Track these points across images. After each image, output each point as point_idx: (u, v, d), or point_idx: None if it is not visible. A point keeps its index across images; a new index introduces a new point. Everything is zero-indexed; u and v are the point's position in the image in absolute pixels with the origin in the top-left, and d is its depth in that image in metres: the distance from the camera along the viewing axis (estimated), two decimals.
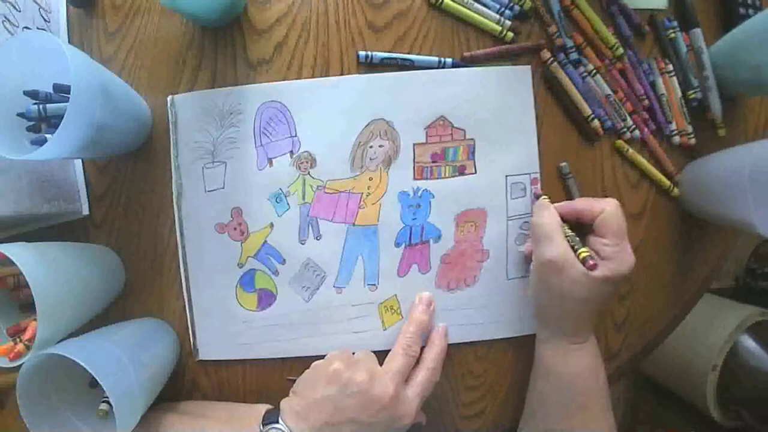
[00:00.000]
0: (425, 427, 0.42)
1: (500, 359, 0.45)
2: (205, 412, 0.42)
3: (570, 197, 0.45)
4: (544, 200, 0.42)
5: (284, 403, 0.38)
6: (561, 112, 0.45)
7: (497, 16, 0.44)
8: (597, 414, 0.39)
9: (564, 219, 0.39)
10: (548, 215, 0.39)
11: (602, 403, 0.39)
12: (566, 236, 0.38)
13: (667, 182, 0.45)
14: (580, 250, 0.37)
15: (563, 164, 0.44)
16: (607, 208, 0.38)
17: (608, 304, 0.39)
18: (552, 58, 0.44)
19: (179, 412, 0.41)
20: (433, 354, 0.41)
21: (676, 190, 0.45)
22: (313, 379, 0.38)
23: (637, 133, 0.45)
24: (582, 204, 0.40)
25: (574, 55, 0.44)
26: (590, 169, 0.45)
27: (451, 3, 0.43)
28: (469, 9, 0.43)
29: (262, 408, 0.39)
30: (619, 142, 0.45)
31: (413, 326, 0.41)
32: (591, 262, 0.36)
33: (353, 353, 0.40)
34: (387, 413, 0.36)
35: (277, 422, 0.36)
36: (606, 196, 0.45)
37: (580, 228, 0.39)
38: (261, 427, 0.36)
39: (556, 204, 0.41)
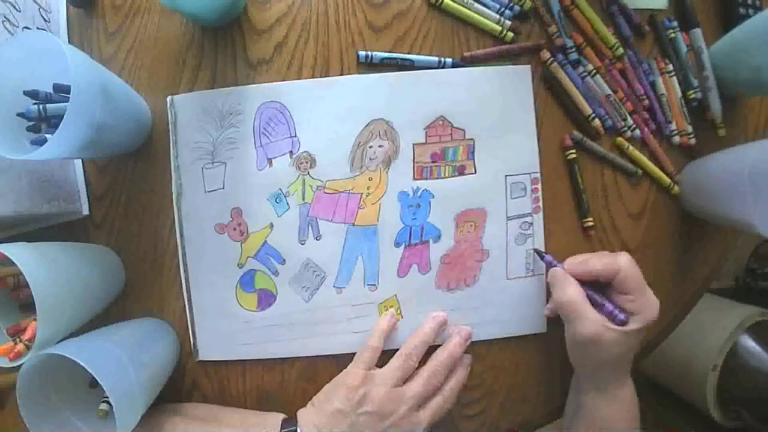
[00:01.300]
0: None
1: (500, 359, 0.45)
2: (216, 418, 0.42)
3: (576, 185, 0.44)
4: (560, 271, 0.40)
5: (301, 414, 0.39)
6: (561, 112, 0.45)
7: (497, 16, 0.44)
8: None
9: (581, 282, 0.39)
10: (571, 290, 0.38)
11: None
12: (590, 299, 0.39)
13: (667, 180, 0.45)
14: (606, 307, 0.38)
15: (575, 133, 0.44)
16: (622, 267, 0.38)
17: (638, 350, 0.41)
18: (552, 59, 0.44)
19: (188, 416, 0.41)
20: (452, 384, 0.41)
21: (676, 188, 0.45)
22: (331, 392, 0.40)
23: (637, 132, 0.45)
24: (596, 265, 0.39)
25: (573, 55, 0.44)
26: (590, 169, 0.45)
27: (451, 3, 0.43)
28: (469, 9, 0.43)
29: (278, 416, 0.40)
30: (620, 139, 0.45)
31: (419, 340, 0.41)
32: (621, 317, 0.37)
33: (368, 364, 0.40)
34: (397, 430, 0.38)
35: (295, 430, 0.37)
36: (606, 196, 0.45)
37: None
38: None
39: (571, 267, 0.40)
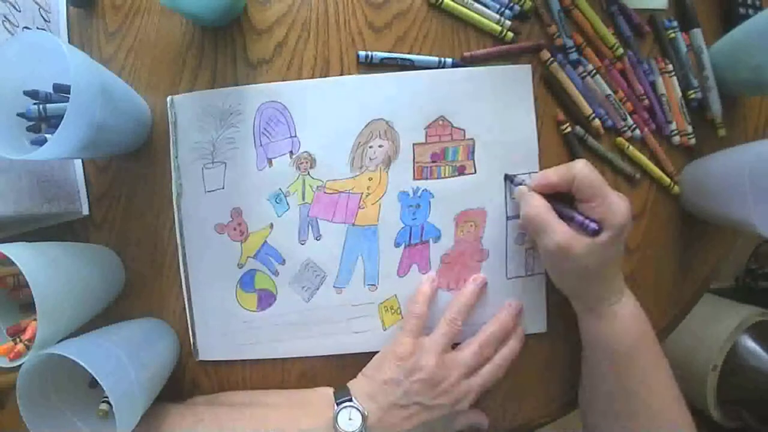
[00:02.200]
0: None
1: None
2: (258, 401, 0.42)
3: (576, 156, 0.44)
4: (523, 188, 0.40)
5: (353, 384, 0.40)
6: (561, 112, 0.45)
7: (497, 16, 0.44)
8: (651, 360, 0.39)
9: (545, 196, 0.39)
10: (535, 203, 0.38)
11: (655, 350, 0.39)
12: (559, 213, 0.38)
13: (667, 180, 0.45)
14: (576, 219, 0.37)
15: (578, 128, 0.44)
16: (576, 173, 0.36)
17: (622, 255, 0.40)
18: (552, 59, 0.44)
19: (227, 404, 0.42)
20: (505, 352, 0.42)
21: (676, 188, 0.45)
22: (382, 362, 0.40)
23: (637, 132, 0.45)
24: (553, 176, 0.38)
25: (573, 55, 0.44)
26: None
27: (451, 3, 0.43)
28: (469, 9, 0.43)
29: (327, 390, 0.41)
30: (619, 139, 0.45)
31: (461, 303, 0.42)
32: (593, 227, 0.36)
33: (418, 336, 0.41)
34: (448, 397, 0.38)
35: (351, 400, 0.38)
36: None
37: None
38: (335, 406, 0.38)
39: (533, 183, 0.39)
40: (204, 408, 0.41)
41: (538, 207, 0.38)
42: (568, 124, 0.44)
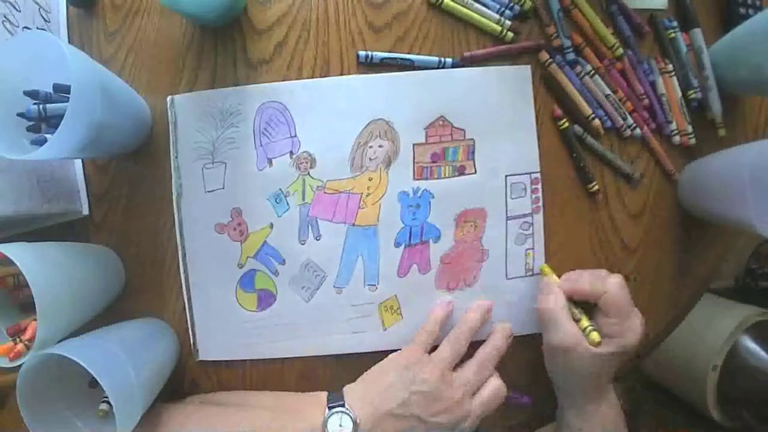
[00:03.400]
0: None
1: (500, 359, 0.45)
2: (250, 402, 0.42)
3: (575, 150, 0.44)
4: (553, 280, 0.42)
5: (348, 389, 0.39)
6: (557, 108, 0.45)
7: (497, 16, 0.44)
8: None
9: (569, 298, 0.41)
10: (553, 300, 0.40)
11: None
12: (571, 312, 0.40)
13: (626, 172, 0.45)
14: (585, 327, 0.39)
15: (576, 127, 0.44)
16: (609, 289, 0.38)
17: (619, 369, 0.41)
18: (550, 60, 0.44)
19: (219, 404, 0.42)
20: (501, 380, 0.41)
21: (637, 174, 0.45)
22: (384, 368, 0.40)
23: (638, 131, 0.45)
24: (586, 286, 0.40)
25: (570, 56, 0.44)
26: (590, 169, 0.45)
27: (451, 3, 0.43)
28: (469, 9, 0.43)
29: (321, 395, 0.40)
30: (577, 127, 0.44)
31: (465, 326, 0.41)
32: (596, 340, 0.38)
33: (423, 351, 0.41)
34: (449, 416, 0.37)
35: (343, 405, 0.37)
36: (607, 196, 0.45)
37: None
38: (327, 410, 0.37)
39: (562, 280, 0.41)
40: (194, 408, 0.41)
41: (554, 303, 0.39)
42: (565, 119, 0.44)
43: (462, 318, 0.42)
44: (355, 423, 0.36)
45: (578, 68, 0.44)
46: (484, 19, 0.43)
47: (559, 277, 0.42)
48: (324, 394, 0.39)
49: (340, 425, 0.36)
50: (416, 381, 0.37)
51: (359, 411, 0.37)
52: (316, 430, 0.36)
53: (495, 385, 0.40)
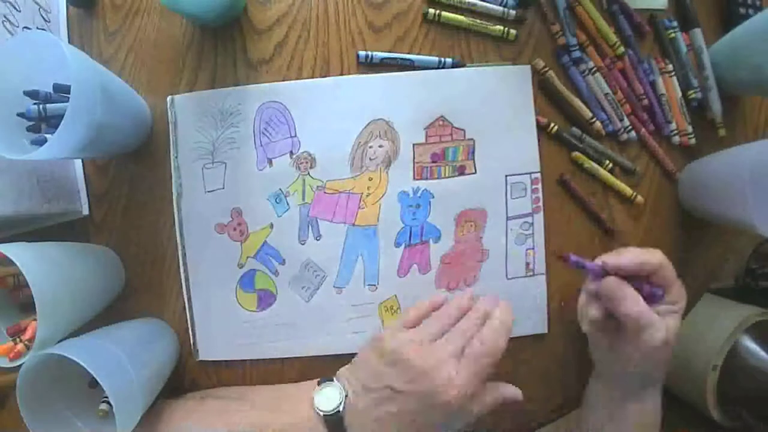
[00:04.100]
0: None
1: (500, 359, 0.45)
2: (247, 395, 0.42)
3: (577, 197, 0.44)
4: (615, 282, 0.36)
5: (340, 371, 0.39)
6: (561, 113, 0.45)
7: (500, 9, 0.43)
8: None
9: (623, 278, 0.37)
10: (632, 302, 0.36)
11: None
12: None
13: (630, 192, 0.45)
14: (646, 288, 0.37)
15: (574, 129, 0.44)
16: (663, 263, 0.37)
17: None
18: (545, 68, 0.43)
19: (217, 397, 0.42)
20: (495, 323, 0.36)
21: (639, 198, 0.45)
22: (363, 347, 0.39)
23: (633, 134, 0.45)
24: (636, 261, 0.37)
25: (576, 53, 0.44)
26: (590, 170, 0.45)
27: (449, 14, 0.43)
28: (466, 17, 0.43)
29: (313, 382, 0.39)
30: (576, 154, 0.44)
31: (452, 307, 0.39)
32: (659, 293, 0.37)
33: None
34: (421, 385, 0.33)
35: (331, 380, 0.38)
36: (606, 196, 0.45)
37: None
38: (316, 386, 0.37)
39: (611, 265, 0.37)
40: (194, 404, 0.41)
41: (640, 304, 0.36)
42: (553, 124, 0.44)
43: (454, 298, 0.40)
44: (344, 395, 0.36)
45: (582, 66, 0.44)
46: (484, 23, 0.43)
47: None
48: (316, 382, 0.39)
49: (328, 398, 0.36)
50: (388, 352, 0.35)
51: (346, 385, 0.37)
52: (311, 415, 0.36)
53: (491, 326, 0.36)
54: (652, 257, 0.37)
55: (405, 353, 0.35)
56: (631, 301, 0.36)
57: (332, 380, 0.38)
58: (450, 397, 0.33)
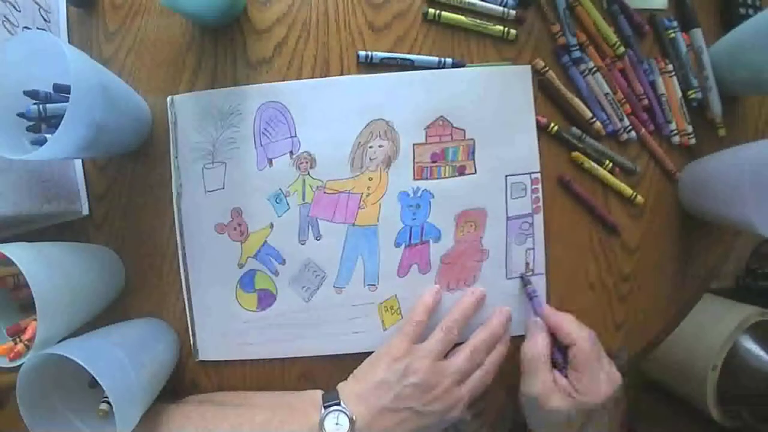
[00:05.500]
0: None
1: None
2: (248, 401, 0.42)
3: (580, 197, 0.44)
4: (537, 321, 0.41)
5: (342, 386, 0.39)
6: (561, 113, 0.45)
7: (500, 8, 0.43)
8: None
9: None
10: (539, 344, 0.40)
11: None
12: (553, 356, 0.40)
13: (630, 192, 0.45)
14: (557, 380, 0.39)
15: (574, 129, 0.44)
16: (577, 343, 0.38)
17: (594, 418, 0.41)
18: (545, 68, 0.43)
19: (216, 403, 0.42)
20: (492, 358, 0.41)
21: (639, 198, 0.45)
22: (374, 364, 0.40)
23: (633, 134, 0.45)
24: (562, 327, 0.40)
25: (576, 53, 0.44)
26: (591, 169, 0.45)
27: (449, 14, 0.43)
28: (465, 17, 0.43)
29: (315, 393, 0.40)
30: (576, 154, 0.44)
31: (459, 314, 0.41)
32: (557, 357, 0.40)
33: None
34: (441, 404, 0.38)
35: (339, 404, 0.37)
36: (606, 196, 0.45)
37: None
38: (323, 410, 0.37)
39: (546, 318, 0.41)
40: (193, 407, 0.41)
41: (539, 348, 0.39)
42: (553, 124, 0.44)
43: (456, 305, 0.42)
44: (351, 421, 0.36)
45: (582, 66, 0.44)
46: (484, 23, 0.43)
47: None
48: (318, 393, 0.39)
49: (337, 424, 0.36)
50: (407, 374, 0.38)
51: (354, 408, 0.37)
52: (314, 429, 0.36)
53: (485, 370, 0.40)
54: (572, 334, 0.39)
55: (424, 377, 0.38)
56: (531, 346, 0.40)
57: (338, 401, 0.37)
58: (458, 412, 0.39)
